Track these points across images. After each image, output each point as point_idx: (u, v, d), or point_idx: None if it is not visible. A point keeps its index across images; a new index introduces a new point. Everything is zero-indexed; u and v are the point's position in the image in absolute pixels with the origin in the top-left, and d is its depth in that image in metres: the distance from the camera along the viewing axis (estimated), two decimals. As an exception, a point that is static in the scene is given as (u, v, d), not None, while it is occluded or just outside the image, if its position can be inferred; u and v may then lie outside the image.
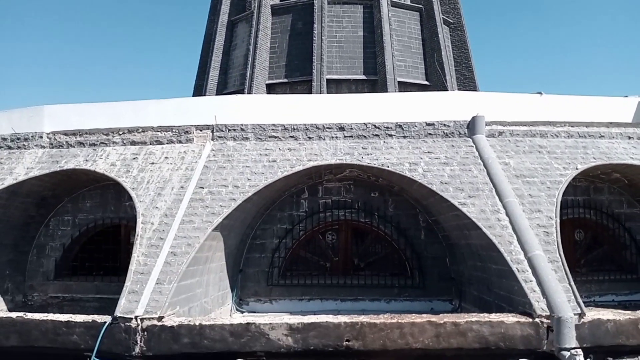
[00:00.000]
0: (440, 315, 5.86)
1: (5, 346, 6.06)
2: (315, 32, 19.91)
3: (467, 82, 21.98)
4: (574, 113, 9.38)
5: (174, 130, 8.54)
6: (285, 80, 20.49)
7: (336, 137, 8.41)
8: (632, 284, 9.35)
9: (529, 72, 62.57)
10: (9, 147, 8.93)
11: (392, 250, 8.93)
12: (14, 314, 6.28)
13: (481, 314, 5.98)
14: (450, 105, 9.69)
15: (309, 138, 8.41)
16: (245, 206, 7.65)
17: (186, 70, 76.48)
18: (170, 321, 5.81)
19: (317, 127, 8.45)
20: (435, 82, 20.10)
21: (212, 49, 22.25)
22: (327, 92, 19.41)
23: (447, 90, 19.51)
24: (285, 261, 8.84)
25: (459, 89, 21.22)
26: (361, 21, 20.58)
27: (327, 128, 8.44)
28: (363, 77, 19.87)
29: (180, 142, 8.44)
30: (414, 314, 5.95)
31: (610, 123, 8.75)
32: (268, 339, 5.66)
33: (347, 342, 5.60)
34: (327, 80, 19.58)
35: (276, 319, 5.83)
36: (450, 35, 22.69)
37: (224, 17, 22.35)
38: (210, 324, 5.75)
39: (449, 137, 8.39)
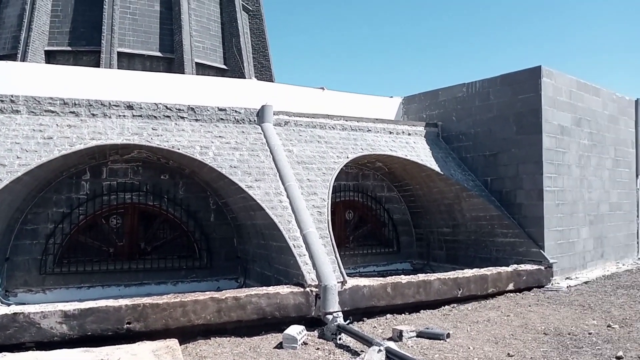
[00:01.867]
0: (223, 291, 6.22)
1: None
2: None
3: (264, 71, 22.86)
4: (348, 108, 10.69)
5: None
6: (69, 48, 18.64)
7: (124, 116, 8.07)
8: (389, 255, 11.15)
9: (322, 64, 67.34)
10: None
11: (181, 232, 8.99)
12: None
13: (260, 288, 6.52)
14: (241, 92, 10.13)
15: (93, 115, 7.91)
16: (14, 187, 6.88)
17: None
18: None
19: (102, 104, 7.98)
20: (233, 67, 20.46)
21: (-23, 2, 18.92)
22: (118, 66, 18.25)
23: (244, 75, 20.06)
24: (62, 248, 8.19)
25: (256, 76, 21.97)
26: (159, -5, 19.75)
27: (114, 106, 8.04)
28: (159, 54, 19.20)
29: None
30: (198, 292, 6.18)
31: (377, 119, 10.18)
32: (39, 328, 5.29)
33: (127, 325, 5.56)
34: (119, 53, 18.44)
35: (49, 307, 5.47)
36: (249, 22, 23.26)
37: (-9, -33, 19.16)
38: (-34, 318, 5.12)
39: (240, 123, 8.77)
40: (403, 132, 10.33)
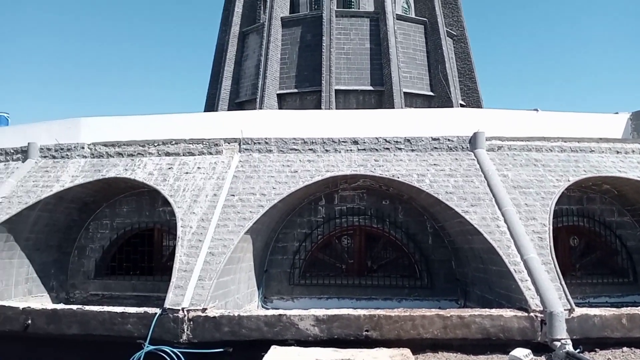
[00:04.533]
0: (448, 309, 6.72)
1: (68, 334, 6.93)
2: (324, 44, 20.76)
3: (471, 93, 22.84)
4: (567, 129, 10.25)
5: (204, 142, 9.41)
6: (296, 90, 21.35)
7: (350, 150, 9.27)
8: (624, 286, 10.17)
9: (531, 78, 63.44)
10: (53, 157, 9.82)
11: (402, 253, 9.78)
12: (74, 306, 7.14)
13: (483, 309, 6.83)
14: (453, 121, 10.55)
15: (326, 151, 9.27)
16: (271, 212, 8.51)
17: (197, 79, 77.78)
18: (212, 312, 6.67)
19: (333, 141, 9.31)
20: (439, 92, 20.98)
21: (225, 59, 23.13)
22: (336, 102, 20.30)
23: (450, 100, 20.41)
24: (305, 262, 9.70)
25: (463, 100, 22.12)
26: (368, 34, 21.46)
27: (343, 142, 9.30)
28: (370, 87, 20.75)
29: (210, 153, 9.31)
30: (424, 309, 6.80)
31: (600, 138, 9.60)
32: (297, 329, 6.51)
33: (366, 332, 6.45)
34: (336, 90, 20.47)
35: (304, 312, 6.67)
36: (454, 47, 23.58)
37: (235, 29, 23.24)
38: (247, 315, 6.61)
39: (453, 150, 9.25)
40: (633, 151, 9.51)
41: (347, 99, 20.49)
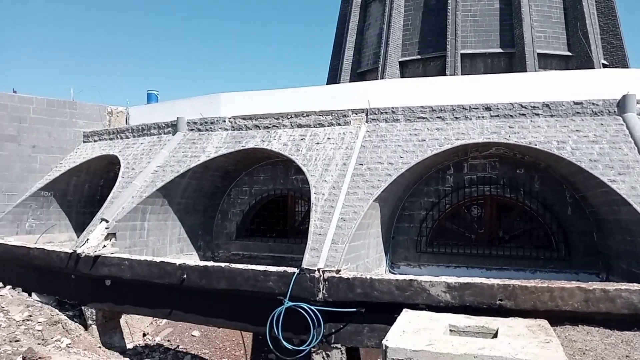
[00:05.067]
0: (590, 282, 6.37)
1: (217, 288, 7.77)
2: (450, 6, 19.98)
3: (615, 51, 20.58)
4: None
5: (333, 114, 9.72)
6: (419, 57, 20.92)
7: (482, 117, 8.97)
8: None
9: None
10: (199, 130, 10.82)
11: (537, 224, 9.36)
12: (222, 264, 7.96)
13: (631, 284, 6.36)
14: (598, 83, 9.70)
15: (456, 118, 9.08)
16: (398, 181, 8.63)
17: (319, 51, 79.57)
18: (345, 274, 7.04)
19: (463, 108, 9.07)
20: (578, 52, 19.22)
21: (347, 29, 23.30)
22: (462, 67, 19.55)
23: (591, 60, 18.62)
24: (432, 231, 9.72)
25: (605, 59, 20.06)
26: (497, -8, 20.20)
27: (474, 108, 9.03)
28: (499, 50, 19.63)
29: (339, 124, 9.62)
30: (563, 281, 6.52)
31: None
32: (429, 294, 6.63)
33: (500, 301, 6.37)
34: (462, 54, 19.69)
35: (435, 279, 6.76)
36: (596, 2, 21.28)
37: (357, -2, 23.21)
38: (379, 278, 6.87)
39: (598, 115, 8.53)
40: None
41: (473, 63, 19.63)
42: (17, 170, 12.01)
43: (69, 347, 7.62)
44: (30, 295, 9.77)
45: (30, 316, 8.74)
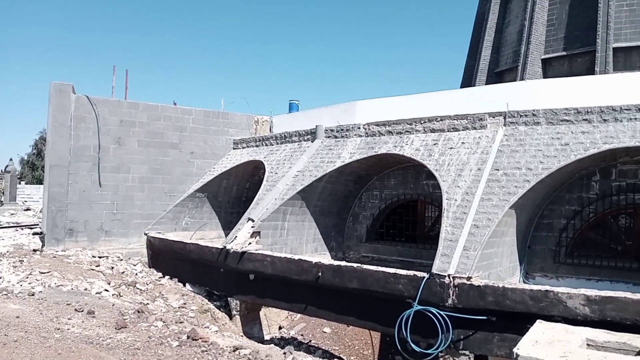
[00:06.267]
0: None
1: (349, 287, 8.20)
2: (601, -3, 18.36)
3: None
4: None
5: (468, 118, 9.61)
6: (564, 53, 19.55)
7: (635, 119, 8.21)
8: None
9: None
10: (335, 136, 11.41)
11: (700, 237, 8.33)
12: (354, 264, 8.38)
13: None
14: None
15: (604, 120, 8.43)
16: (537, 187, 8.27)
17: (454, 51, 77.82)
18: (476, 281, 7.01)
19: (613, 109, 8.39)
20: None
21: (485, 28, 22.54)
22: (614, 62, 17.84)
23: None
24: (573, 241, 9.12)
25: None
26: (660, -23, 18.07)
27: (625, 109, 8.30)
28: (660, 42, 17.55)
29: (474, 128, 9.48)
30: None
31: None
32: (565, 306, 6.33)
33: (649, 319, 5.88)
34: (614, 49, 17.97)
35: (574, 290, 6.43)
36: None
37: (497, -5, 22.34)
38: (512, 287, 6.73)
39: None
40: None
41: (628, 58, 17.77)
42: (178, 174, 13.69)
43: (216, 333, 8.61)
44: (184, 285, 11.13)
45: (185, 304, 10.01)
